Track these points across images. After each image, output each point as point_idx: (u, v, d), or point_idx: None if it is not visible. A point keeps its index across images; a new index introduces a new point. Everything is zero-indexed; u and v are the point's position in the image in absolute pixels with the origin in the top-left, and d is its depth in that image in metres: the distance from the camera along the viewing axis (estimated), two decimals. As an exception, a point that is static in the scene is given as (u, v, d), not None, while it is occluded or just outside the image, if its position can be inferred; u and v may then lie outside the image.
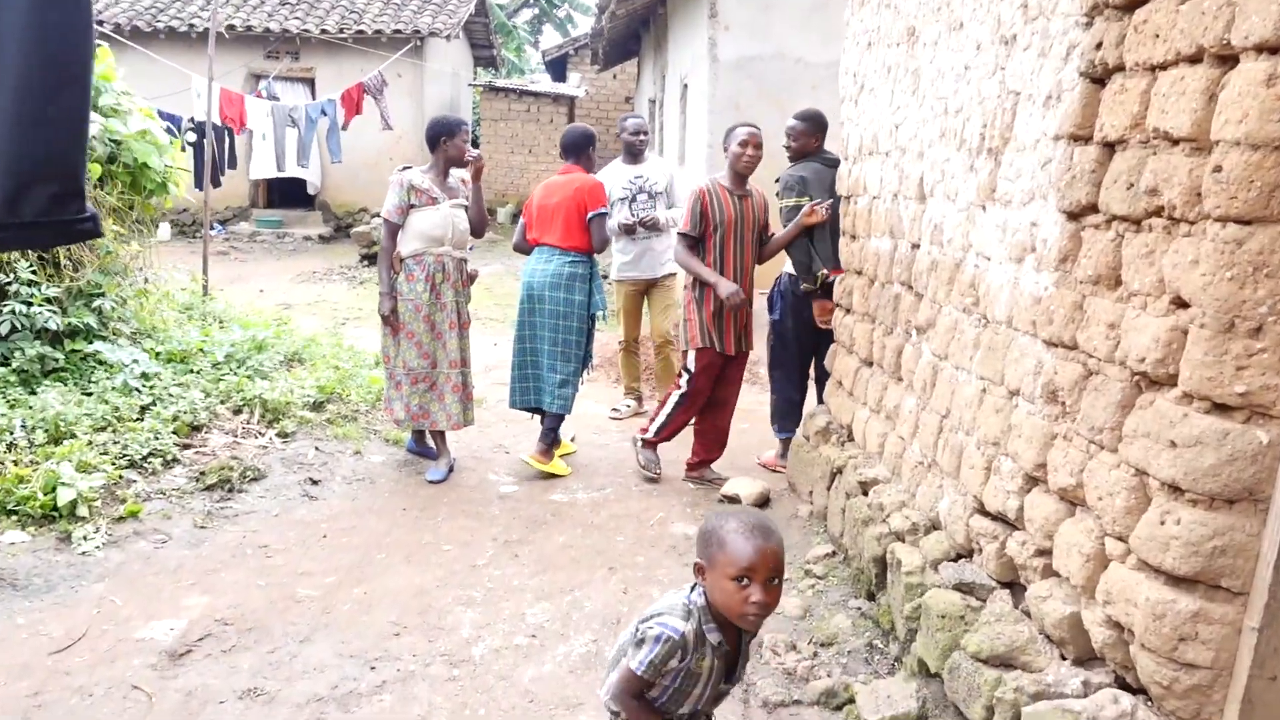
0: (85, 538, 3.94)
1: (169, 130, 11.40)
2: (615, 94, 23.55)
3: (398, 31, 16.27)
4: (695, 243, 5.05)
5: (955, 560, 3.00)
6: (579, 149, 5.51)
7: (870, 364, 4.10)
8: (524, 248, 5.53)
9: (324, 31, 16.12)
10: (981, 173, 3.00)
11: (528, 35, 29.50)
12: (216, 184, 13.32)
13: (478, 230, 5.17)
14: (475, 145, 20.46)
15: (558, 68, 23.99)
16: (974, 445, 2.94)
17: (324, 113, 14.26)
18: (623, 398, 6.87)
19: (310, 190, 14.30)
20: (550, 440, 5.29)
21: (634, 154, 6.43)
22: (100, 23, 15.93)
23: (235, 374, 5.72)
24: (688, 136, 10.47)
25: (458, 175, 5.16)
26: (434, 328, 5.02)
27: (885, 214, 3.94)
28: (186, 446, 4.94)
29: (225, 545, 4.08)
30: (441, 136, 4.98)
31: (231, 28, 16.08)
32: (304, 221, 16.91)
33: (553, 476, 5.21)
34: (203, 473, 4.59)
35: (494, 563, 4.06)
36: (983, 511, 2.87)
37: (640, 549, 4.26)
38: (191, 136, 12.74)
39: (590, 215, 5.28)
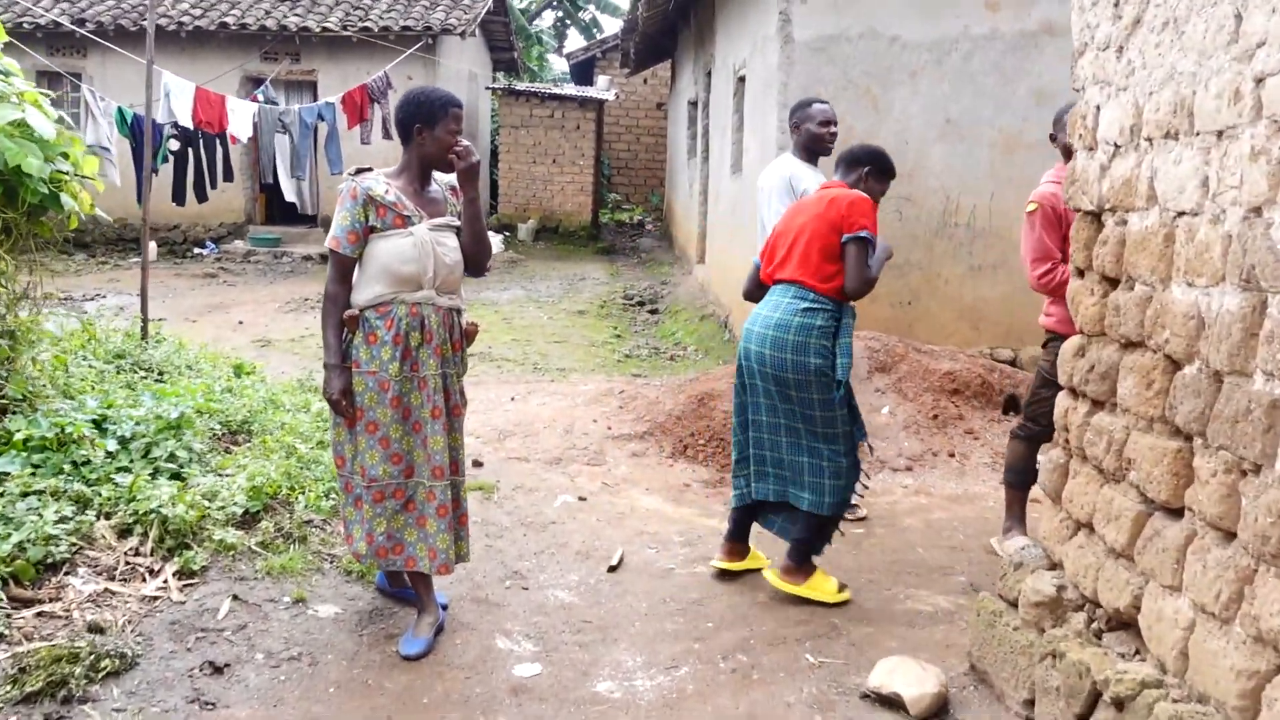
0: None
1: (143, 137, 9.71)
2: (646, 99, 21.84)
3: (407, 28, 14.59)
4: None
5: None
6: (859, 163, 3.93)
7: (1178, 513, 2.27)
8: (754, 294, 3.94)
9: (325, 29, 14.46)
10: None
11: (550, 40, 27.83)
12: (202, 198, 11.65)
13: (476, 262, 3.39)
14: (495, 156, 18.75)
15: (583, 72, 22.29)
16: None
17: (321, 117, 12.55)
18: None
19: (300, 208, 12.57)
20: (805, 553, 3.77)
21: (819, 153, 4.71)
22: (82, 22, 14.37)
23: (132, 469, 3.94)
24: (746, 140, 8.66)
25: (444, 182, 3.39)
26: (409, 416, 3.25)
27: (1222, 244, 2.11)
28: (27, 603, 3.17)
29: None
30: (416, 123, 3.22)
31: (224, 26, 14.47)
32: (305, 239, 15.24)
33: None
34: (23, 669, 2.79)
35: None
36: None
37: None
38: (174, 145, 11.11)
39: (845, 238, 3.63)
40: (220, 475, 4.14)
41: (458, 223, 3.33)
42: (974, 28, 7.14)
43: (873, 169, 3.97)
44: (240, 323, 9.76)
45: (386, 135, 13.83)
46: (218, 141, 11.26)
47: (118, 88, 13.02)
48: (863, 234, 3.62)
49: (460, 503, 3.34)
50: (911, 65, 7.19)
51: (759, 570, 3.98)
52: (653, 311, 11.06)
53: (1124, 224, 2.51)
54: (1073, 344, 2.77)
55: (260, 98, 12.47)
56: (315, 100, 14.43)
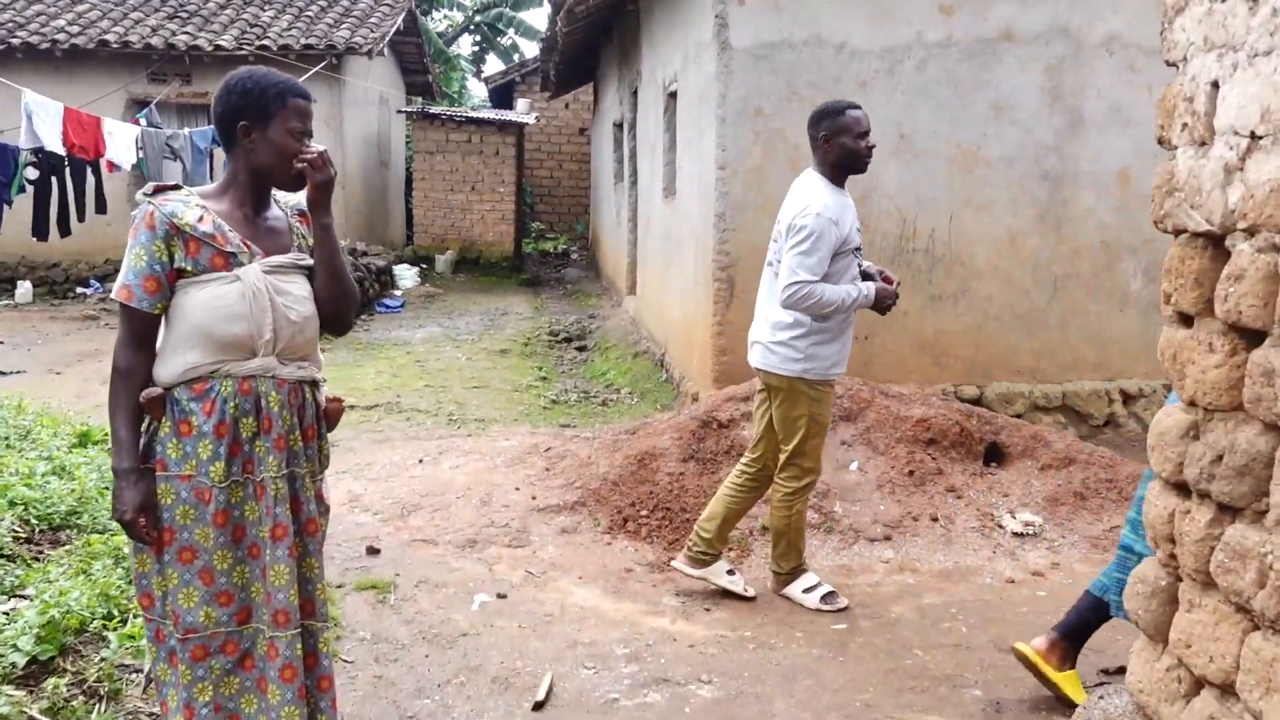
0: None
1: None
2: (568, 124, 21.03)
3: (309, 47, 13.57)
4: None
5: None
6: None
7: None
8: None
9: (218, 48, 13.35)
10: None
11: (469, 65, 26.91)
12: (65, 232, 10.45)
13: (336, 315, 2.45)
14: (410, 183, 17.70)
15: (503, 96, 21.42)
16: None
17: (216, 142, 11.46)
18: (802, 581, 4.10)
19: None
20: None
21: (853, 172, 3.93)
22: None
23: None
24: (680, 160, 7.87)
25: (290, 205, 2.48)
26: (241, 537, 2.31)
27: None
28: None
29: None
30: (241, 120, 2.31)
31: (104, 44, 13.26)
32: (200, 276, 14.00)
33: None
34: None
35: None
36: None
37: None
38: (32, 173, 9.92)
39: None
40: (16, 597, 3.13)
41: (308, 261, 2.42)
42: (928, 34, 6.46)
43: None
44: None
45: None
46: (88, 169, 10.10)
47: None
48: None
49: (318, 659, 2.38)
50: (861, 75, 6.47)
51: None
52: (581, 349, 10.17)
53: (1275, 250, 1.71)
54: (1177, 421, 1.96)
55: (143, 121, 11.34)
56: (210, 124, 13.29)
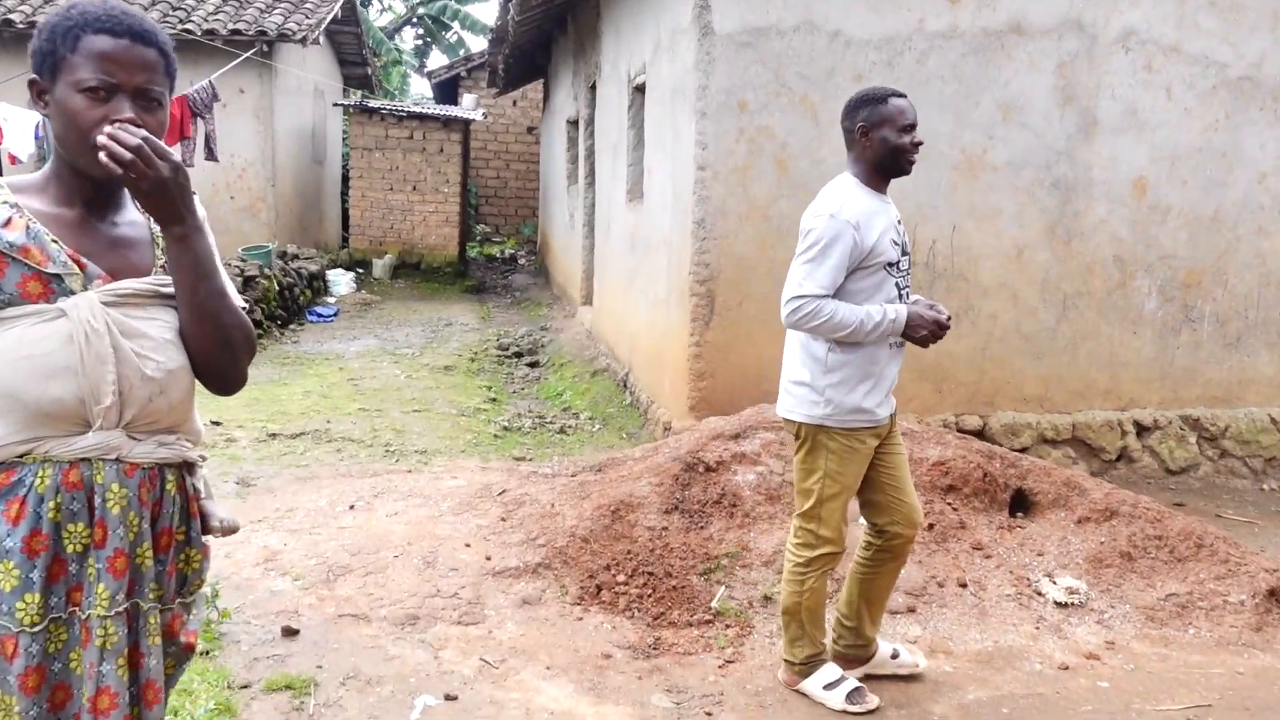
0: None
1: None
2: (516, 123, 20.18)
3: (237, 32, 12.55)
4: None
5: None
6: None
7: None
8: None
9: (137, 30, 12.26)
10: None
11: (411, 61, 25.87)
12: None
13: (210, 367, 1.64)
14: (346, 179, 16.66)
15: (447, 92, 20.47)
16: None
17: (129, 133, 10.42)
18: (826, 669, 3.33)
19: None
20: None
21: (896, 174, 3.22)
22: None
23: None
24: (650, 160, 7.10)
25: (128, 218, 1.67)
26: (63, 702, 1.50)
27: None
28: None
29: None
30: (32, 75, 1.52)
31: (9, 23, 12.11)
32: (115, 278, 12.90)
33: None
34: None
35: None
36: None
37: None
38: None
39: None
40: None
41: (167, 286, 1.60)
42: (930, 23, 5.79)
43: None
44: None
45: (212, 156, 11.80)
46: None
47: None
48: None
49: None
50: (857, 67, 5.77)
51: None
52: (533, 364, 9.35)
53: None
54: None
55: (47, 108, 10.25)
56: (126, 115, 12.18)
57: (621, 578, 3.94)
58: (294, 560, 4.16)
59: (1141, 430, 6.29)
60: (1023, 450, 6.10)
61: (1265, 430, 6.45)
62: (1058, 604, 3.96)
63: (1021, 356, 6.11)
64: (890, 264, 3.14)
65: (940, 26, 5.82)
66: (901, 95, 3.12)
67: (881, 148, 3.10)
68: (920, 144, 3.15)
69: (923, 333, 3.15)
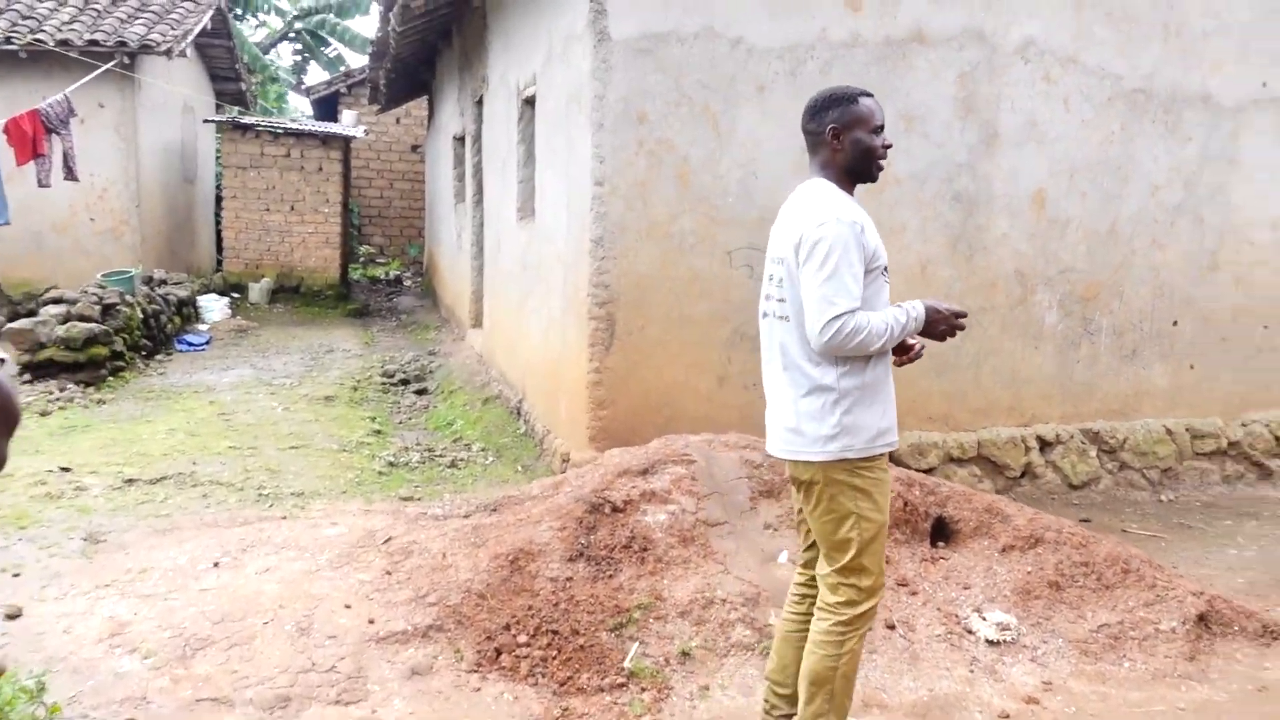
0: None
1: None
2: (399, 140, 19.52)
3: (95, 43, 11.70)
4: None
5: None
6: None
7: None
8: None
9: (-20, 39, 11.32)
10: None
11: (289, 77, 24.87)
12: None
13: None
14: (220, 200, 15.80)
15: (326, 109, 19.68)
16: None
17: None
18: None
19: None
20: None
21: (866, 179, 2.95)
22: None
23: None
24: (541, 176, 6.73)
25: None
26: None
27: None
28: None
29: None
30: None
31: None
32: (-42, 308, 11.83)
33: None
34: None
35: None
36: None
37: None
38: None
39: None
40: None
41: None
42: (833, 31, 5.59)
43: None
44: None
45: (72, 176, 10.94)
46: None
47: None
48: None
49: None
50: (760, 76, 5.52)
51: None
52: (420, 392, 8.83)
53: None
54: None
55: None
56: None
57: (523, 638, 3.54)
58: (145, 633, 3.62)
59: (1044, 445, 6.21)
60: (929, 470, 5.94)
61: (1161, 441, 6.44)
62: (989, 642, 3.72)
63: (926, 375, 5.94)
64: (885, 268, 2.85)
65: (843, 35, 5.63)
66: (869, 95, 2.83)
67: (854, 150, 2.80)
68: (890, 146, 2.87)
69: (942, 327, 2.86)
